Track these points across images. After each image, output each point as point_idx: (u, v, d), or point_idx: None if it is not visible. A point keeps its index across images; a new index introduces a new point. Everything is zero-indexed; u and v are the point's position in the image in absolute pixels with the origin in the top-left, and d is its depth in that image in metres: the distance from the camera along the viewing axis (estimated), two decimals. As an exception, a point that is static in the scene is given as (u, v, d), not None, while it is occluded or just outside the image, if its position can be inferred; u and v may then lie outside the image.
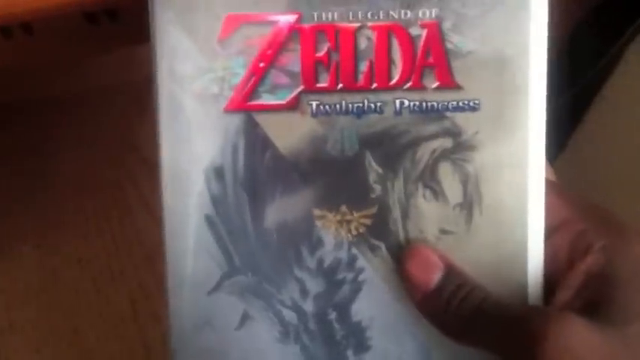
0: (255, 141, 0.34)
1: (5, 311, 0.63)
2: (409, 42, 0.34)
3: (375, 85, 0.34)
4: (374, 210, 0.34)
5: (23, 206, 0.68)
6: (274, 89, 0.34)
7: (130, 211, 0.69)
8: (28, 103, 0.71)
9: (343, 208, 0.34)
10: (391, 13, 0.33)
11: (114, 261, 0.67)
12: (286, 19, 0.33)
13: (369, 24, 0.34)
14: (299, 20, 0.33)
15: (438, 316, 0.34)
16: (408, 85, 0.34)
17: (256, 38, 0.34)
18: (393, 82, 0.34)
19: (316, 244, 0.35)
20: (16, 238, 0.67)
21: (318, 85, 0.34)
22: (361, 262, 0.35)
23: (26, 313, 0.63)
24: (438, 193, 0.34)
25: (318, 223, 0.34)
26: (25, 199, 0.68)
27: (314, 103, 0.34)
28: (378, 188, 0.34)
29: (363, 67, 0.34)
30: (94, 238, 0.68)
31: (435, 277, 0.34)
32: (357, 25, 0.33)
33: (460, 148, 0.34)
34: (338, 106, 0.34)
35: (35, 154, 0.70)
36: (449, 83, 0.34)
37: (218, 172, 0.34)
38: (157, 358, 0.60)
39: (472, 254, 0.35)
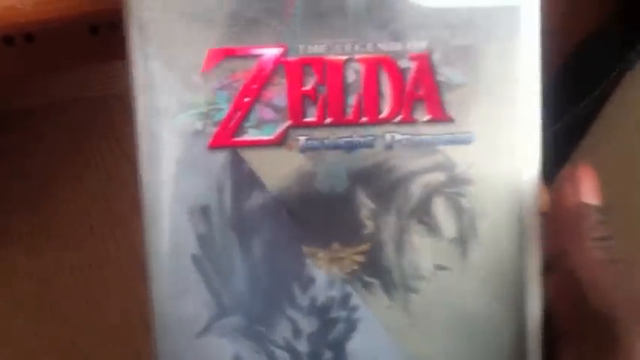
0: (242, 178, 0.33)
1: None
2: (398, 75, 0.32)
3: (364, 119, 0.33)
4: (367, 246, 0.33)
5: (16, 210, 0.68)
6: (260, 124, 0.33)
7: (123, 220, 0.68)
8: (26, 109, 0.71)
9: (335, 245, 0.33)
10: (379, 45, 0.32)
11: (106, 269, 0.67)
12: (271, 52, 0.32)
13: (357, 57, 0.32)
14: (284, 53, 0.32)
15: None
16: (399, 118, 0.33)
17: (240, 72, 0.32)
18: (383, 115, 0.33)
19: (308, 282, 0.33)
20: (8, 243, 0.66)
21: (306, 119, 0.33)
22: (355, 299, 0.34)
23: (18, 322, 0.63)
24: (432, 229, 0.33)
25: (309, 261, 0.33)
26: (18, 204, 0.68)
27: (302, 138, 0.33)
28: (370, 224, 0.33)
29: (352, 100, 0.33)
30: (87, 246, 0.67)
31: None
32: (344, 58, 0.32)
33: (454, 182, 0.33)
34: (326, 140, 0.33)
35: (31, 159, 0.70)
36: (440, 116, 0.33)
37: (204, 211, 0.33)
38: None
39: (468, 290, 0.34)
